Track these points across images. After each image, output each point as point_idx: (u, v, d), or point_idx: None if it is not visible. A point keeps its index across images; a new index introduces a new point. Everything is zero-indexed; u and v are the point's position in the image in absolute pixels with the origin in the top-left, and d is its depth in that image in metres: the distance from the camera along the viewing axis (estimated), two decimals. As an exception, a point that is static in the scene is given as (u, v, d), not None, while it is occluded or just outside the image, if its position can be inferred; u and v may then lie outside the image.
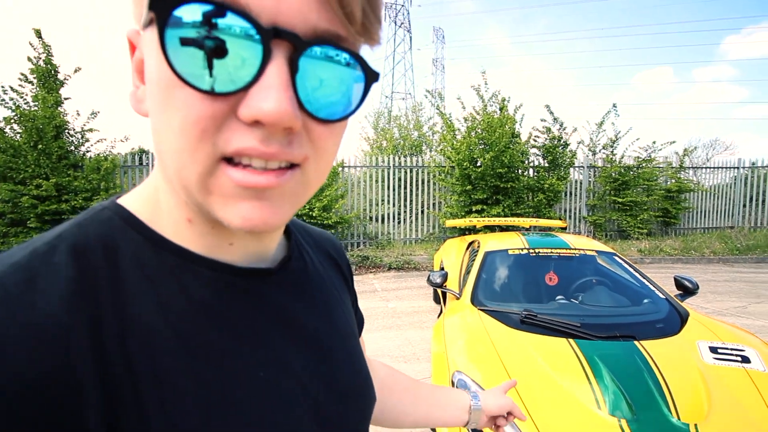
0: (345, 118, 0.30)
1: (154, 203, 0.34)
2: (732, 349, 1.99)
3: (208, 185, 0.28)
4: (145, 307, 0.29)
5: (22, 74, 6.70)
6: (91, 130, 7.34)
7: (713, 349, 1.99)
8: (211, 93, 0.25)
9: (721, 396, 1.71)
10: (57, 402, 0.24)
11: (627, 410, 1.64)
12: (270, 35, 0.25)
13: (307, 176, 0.31)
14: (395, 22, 34.20)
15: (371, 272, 7.16)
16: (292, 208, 0.31)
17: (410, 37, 35.59)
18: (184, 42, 0.24)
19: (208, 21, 0.24)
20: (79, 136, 7.29)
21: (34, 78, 6.75)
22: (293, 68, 0.26)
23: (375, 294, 5.69)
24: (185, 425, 0.28)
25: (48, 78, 6.82)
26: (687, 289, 2.73)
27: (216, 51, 0.25)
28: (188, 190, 0.29)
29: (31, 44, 6.66)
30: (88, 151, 7.47)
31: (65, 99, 7.02)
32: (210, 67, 0.25)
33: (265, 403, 0.33)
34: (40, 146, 6.53)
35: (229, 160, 0.27)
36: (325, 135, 0.30)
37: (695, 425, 1.55)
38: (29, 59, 6.69)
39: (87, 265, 0.29)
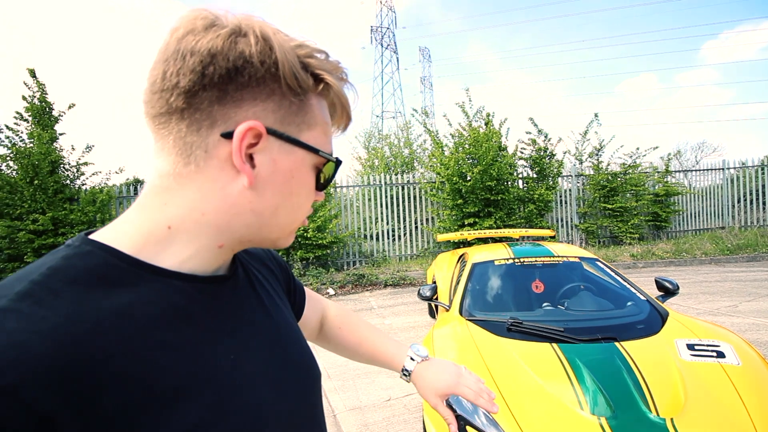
0: None
1: (156, 240, 0.42)
2: (708, 346, 2.07)
3: (293, 230, 0.49)
4: (134, 314, 0.38)
5: (17, 113, 6.86)
6: (86, 163, 7.47)
7: (690, 346, 2.07)
8: (317, 194, 0.49)
9: (696, 390, 1.78)
10: (78, 381, 0.32)
11: (607, 409, 1.71)
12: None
13: None
14: (381, 44, 35.10)
15: (367, 290, 7.20)
16: None
17: (397, 58, 36.46)
18: (320, 170, 0.48)
19: (334, 163, 0.49)
20: (75, 170, 7.41)
21: (29, 116, 6.91)
22: None
23: (372, 311, 5.73)
24: (178, 400, 0.37)
25: (43, 115, 6.98)
26: (668, 290, 2.82)
27: (330, 176, 0.49)
28: (274, 230, 0.46)
29: (25, 83, 6.84)
30: (83, 184, 7.58)
31: (60, 134, 7.17)
32: (322, 186, 0.49)
33: (236, 379, 0.43)
34: (36, 182, 6.63)
35: None
36: None
37: (671, 420, 1.62)
38: (24, 98, 6.86)
39: (80, 288, 0.36)
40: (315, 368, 0.57)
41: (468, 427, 1.77)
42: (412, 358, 0.74)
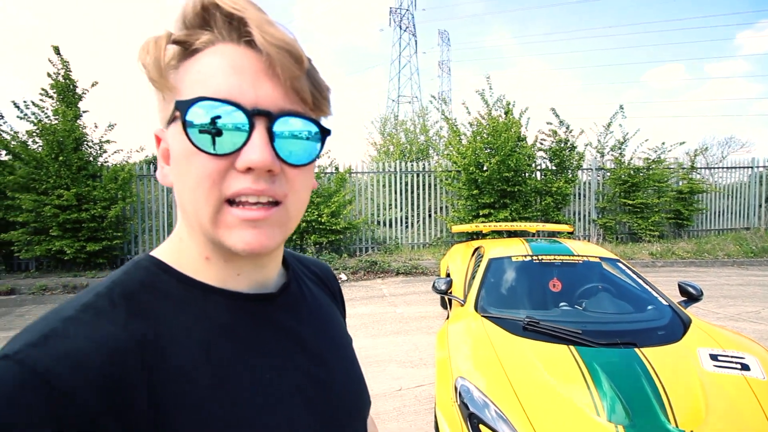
0: (309, 163, 0.43)
1: (178, 251, 0.45)
2: (732, 357, 2.01)
3: (217, 221, 0.40)
4: (177, 329, 0.40)
5: (43, 89, 6.97)
6: (108, 141, 7.61)
7: (713, 357, 2.02)
8: (216, 155, 0.38)
9: (718, 403, 1.74)
10: (123, 388, 0.34)
11: (624, 416, 1.68)
12: (253, 114, 0.38)
13: (287, 211, 0.43)
14: (400, 26, 34.36)
15: (379, 277, 7.23)
16: (281, 234, 0.43)
17: (415, 41, 35.68)
18: (199, 126, 0.38)
19: (213, 111, 0.38)
20: (97, 148, 7.56)
21: (54, 93, 7.02)
22: (271, 133, 0.39)
23: (383, 299, 5.76)
24: (206, 413, 0.38)
25: (67, 92, 7.08)
26: (691, 296, 2.74)
27: (218, 129, 0.38)
28: (203, 226, 0.40)
29: (50, 61, 6.93)
30: (106, 162, 7.74)
31: (83, 112, 7.28)
32: (215, 139, 0.38)
33: (267, 398, 0.42)
34: (60, 158, 6.78)
35: (231, 202, 0.39)
36: (297, 175, 0.43)
37: (691, 432, 1.59)
38: (49, 75, 6.96)
39: (134, 302, 0.40)
40: (363, 396, 0.55)
41: (481, 426, 1.77)
42: None
